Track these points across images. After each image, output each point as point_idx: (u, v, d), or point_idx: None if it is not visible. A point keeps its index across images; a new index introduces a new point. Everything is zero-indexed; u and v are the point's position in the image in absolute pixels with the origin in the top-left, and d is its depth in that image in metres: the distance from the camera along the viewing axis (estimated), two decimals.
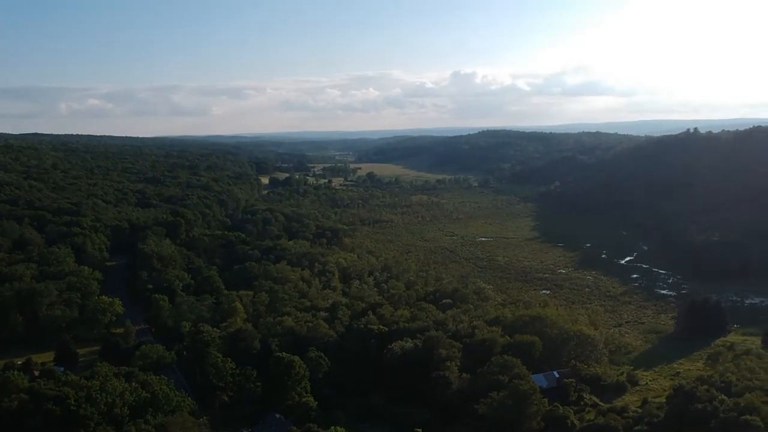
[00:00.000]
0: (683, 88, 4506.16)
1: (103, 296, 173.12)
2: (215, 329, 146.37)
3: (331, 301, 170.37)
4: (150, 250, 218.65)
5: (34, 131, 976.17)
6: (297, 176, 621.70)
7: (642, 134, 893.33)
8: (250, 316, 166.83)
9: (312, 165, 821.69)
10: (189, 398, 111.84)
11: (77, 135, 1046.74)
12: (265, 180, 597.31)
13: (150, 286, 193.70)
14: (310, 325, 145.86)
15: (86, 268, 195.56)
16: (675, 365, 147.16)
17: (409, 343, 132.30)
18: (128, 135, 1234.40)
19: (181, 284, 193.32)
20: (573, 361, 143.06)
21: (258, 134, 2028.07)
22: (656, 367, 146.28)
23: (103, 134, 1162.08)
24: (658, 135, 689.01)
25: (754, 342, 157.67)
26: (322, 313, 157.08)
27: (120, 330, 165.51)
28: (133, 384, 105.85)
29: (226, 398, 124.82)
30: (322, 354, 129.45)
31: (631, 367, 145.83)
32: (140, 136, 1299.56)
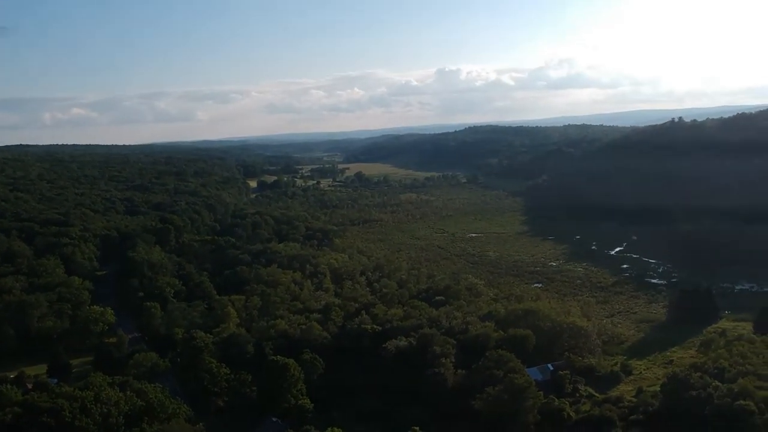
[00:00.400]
0: (666, 78, 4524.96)
1: (95, 306, 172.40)
2: (208, 335, 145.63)
3: (323, 303, 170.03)
4: (140, 258, 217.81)
5: (18, 142, 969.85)
6: (285, 179, 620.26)
7: (627, 125, 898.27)
8: (243, 320, 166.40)
9: (300, 167, 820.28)
10: (184, 405, 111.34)
11: (62, 145, 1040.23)
12: (253, 183, 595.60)
13: (141, 294, 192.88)
14: (304, 327, 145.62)
15: (76, 278, 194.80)
16: (668, 353, 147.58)
17: (403, 342, 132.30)
18: (114, 143, 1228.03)
19: (172, 291, 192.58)
20: (567, 353, 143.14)
21: (245, 138, 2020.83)
22: (649, 356, 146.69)
23: (88, 143, 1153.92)
24: (644, 125, 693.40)
25: (746, 327, 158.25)
26: (315, 315, 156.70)
27: (113, 339, 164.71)
28: (128, 393, 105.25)
29: (222, 404, 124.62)
30: (316, 356, 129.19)
31: (625, 357, 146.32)
32: (127, 143, 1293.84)
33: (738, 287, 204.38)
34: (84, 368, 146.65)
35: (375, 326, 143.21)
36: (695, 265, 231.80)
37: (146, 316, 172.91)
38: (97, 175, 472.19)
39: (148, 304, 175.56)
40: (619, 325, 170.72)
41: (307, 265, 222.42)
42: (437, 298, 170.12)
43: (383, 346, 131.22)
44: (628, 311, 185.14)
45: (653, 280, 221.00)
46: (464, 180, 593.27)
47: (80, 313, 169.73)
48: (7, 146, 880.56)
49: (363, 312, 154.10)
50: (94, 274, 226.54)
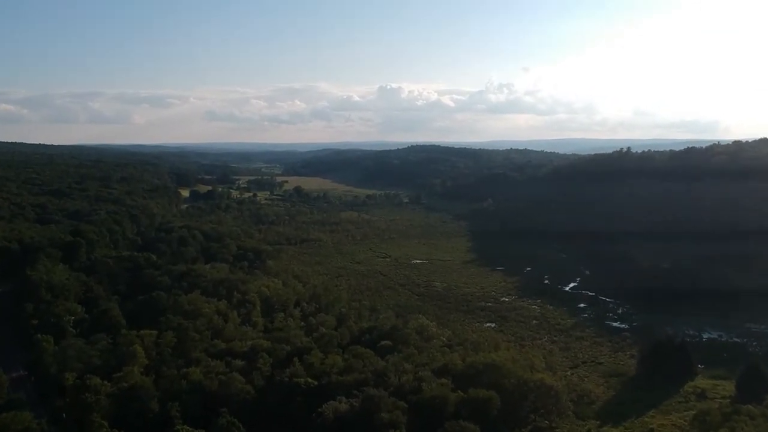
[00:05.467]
0: (600, 109, 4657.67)
1: None
2: (105, 383, 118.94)
3: (249, 344, 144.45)
4: (38, 278, 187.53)
5: None
6: (220, 189, 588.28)
7: (565, 152, 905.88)
8: (153, 361, 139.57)
9: (237, 177, 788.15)
10: None
11: None
12: (185, 193, 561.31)
13: (35, 322, 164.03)
14: (223, 378, 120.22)
15: None
16: (646, 418, 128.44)
17: (343, 404, 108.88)
18: (43, 142, 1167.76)
19: (71, 320, 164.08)
20: (533, 415, 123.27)
21: (182, 144, 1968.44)
22: (626, 422, 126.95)
23: (15, 141, 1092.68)
24: (584, 153, 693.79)
25: (726, 388, 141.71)
26: (239, 362, 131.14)
27: None
28: None
29: None
30: (235, 420, 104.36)
31: (598, 423, 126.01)
32: (57, 144, 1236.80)
33: (705, 336, 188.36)
34: None
35: (309, 380, 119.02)
36: (655, 306, 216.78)
37: (36, 352, 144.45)
38: (11, 177, 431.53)
39: (40, 337, 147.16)
40: (586, 379, 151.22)
41: (235, 293, 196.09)
42: (383, 342, 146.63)
43: (319, 410, 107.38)
44: (593, 361, 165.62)
45: (614, 323, 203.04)
46: (407, 200, 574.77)
47: None
48: None
49: (296, 360, 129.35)
50: None
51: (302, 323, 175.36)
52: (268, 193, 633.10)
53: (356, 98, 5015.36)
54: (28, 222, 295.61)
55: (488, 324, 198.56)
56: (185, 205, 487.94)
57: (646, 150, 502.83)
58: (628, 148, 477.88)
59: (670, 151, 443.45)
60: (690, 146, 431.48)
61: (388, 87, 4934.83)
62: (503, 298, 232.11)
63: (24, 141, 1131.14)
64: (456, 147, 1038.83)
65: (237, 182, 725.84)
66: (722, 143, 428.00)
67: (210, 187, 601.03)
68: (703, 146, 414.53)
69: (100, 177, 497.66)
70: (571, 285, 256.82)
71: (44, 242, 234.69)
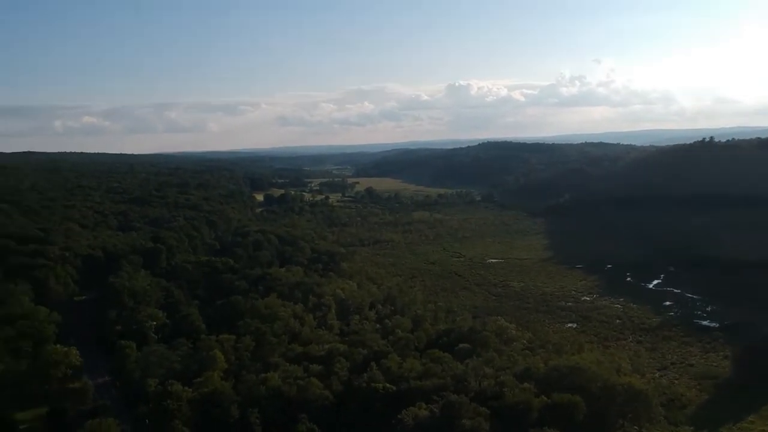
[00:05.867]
0: (678, 98, 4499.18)
1: (58, 345, 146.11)
2: (186, 388, 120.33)
3: (326, 348, 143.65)
4: (121, 284, 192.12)
5: (27, 149, 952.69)
6: (293, 193, 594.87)
7: (642, 144, 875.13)
8: (232, 365, 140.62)
9: (309, 180, 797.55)
10: None
11: (70, 153, 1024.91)
12: (260, 197, 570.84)
13: (119, 328, 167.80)
14: (301, 383, 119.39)
15: (43, 308, 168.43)
16: (745, 424, 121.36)
17: (423, 410, 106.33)
18: (124, 152, 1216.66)
19: (153, 325, 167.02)
20: (621, 420, 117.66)
21: (255, 149, 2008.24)
22: (722, 428, 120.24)
23: (97, 151, 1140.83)
24: (662, 145, 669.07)
25: None
26: (315, 366, 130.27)
27: (77, 384, 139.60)
28: None
29: None
30: (315, 427, 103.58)
31: (692, 428, 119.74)
32: (136, 153, 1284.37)
33: None
34: (33, 425, 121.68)
35: (388, 385, 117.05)
36: (747, 303, 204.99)
37: (119, 358, 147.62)
38: (94, 186, 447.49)
39: (123, 343, 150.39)
40: (676, 382, 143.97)
41: (310, 296, 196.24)
42: (461, 345, 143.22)
43: (398, 416, 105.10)
44: (682, 362, 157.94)
45: (704, 322, 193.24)
46: (479, 198, 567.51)
47: (42, 353, 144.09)
48: (13, 153, 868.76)
49: (373, 364, 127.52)
50: (72, 300, 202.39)
51: (377, 326, 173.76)
52: (340, 195, 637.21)
53: (425, 97, 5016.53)
54: (111, 230, 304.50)
55: (569, 324, 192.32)
56: (260, 209, 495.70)
57: (730, 139, 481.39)
58: (711, 138, 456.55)
59: (758, 139, 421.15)
60: None
61: (457, 84, 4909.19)
62: (584, 297, 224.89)
63: (106, 151, 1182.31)
64: (528, 142, 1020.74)
65: (309, 185, 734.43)
66: None
67: (283, 191, 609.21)
68: None
69: (178, 184, 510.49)
70: (655, 282, 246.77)
71: (126, 249, 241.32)
